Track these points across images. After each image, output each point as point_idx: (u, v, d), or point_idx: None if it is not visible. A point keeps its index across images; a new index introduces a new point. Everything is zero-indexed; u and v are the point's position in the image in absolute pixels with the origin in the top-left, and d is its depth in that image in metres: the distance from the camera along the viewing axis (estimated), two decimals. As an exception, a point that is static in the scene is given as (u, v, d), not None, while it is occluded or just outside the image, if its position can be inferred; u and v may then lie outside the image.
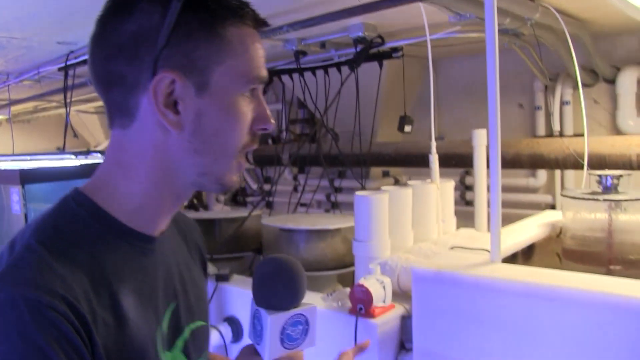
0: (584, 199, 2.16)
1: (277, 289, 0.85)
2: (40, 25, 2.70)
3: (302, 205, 4.94)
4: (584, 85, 3.72)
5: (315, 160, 4.23)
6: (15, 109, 5.80)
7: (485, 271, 1.63)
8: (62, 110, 4.99)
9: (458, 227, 2.70)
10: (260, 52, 0.87)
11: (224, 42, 0.82)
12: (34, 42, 3.03)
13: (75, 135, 3.74)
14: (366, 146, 3.89)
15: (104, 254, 0.82)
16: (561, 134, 3.79)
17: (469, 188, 4.25)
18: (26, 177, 3.24)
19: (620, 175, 2.18)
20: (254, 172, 5.60)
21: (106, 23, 0.83)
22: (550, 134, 3.79)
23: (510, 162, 3.35)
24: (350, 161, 3.76)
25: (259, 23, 0.87)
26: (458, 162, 3.47)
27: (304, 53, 3.29)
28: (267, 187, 5.47)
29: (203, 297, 1.09)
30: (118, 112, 0.85)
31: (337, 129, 4.35)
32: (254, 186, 5.53)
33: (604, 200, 2.10)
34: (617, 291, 1.40)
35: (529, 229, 2.33)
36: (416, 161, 3.71)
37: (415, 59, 3.77)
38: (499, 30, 2.82)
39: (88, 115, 6.62)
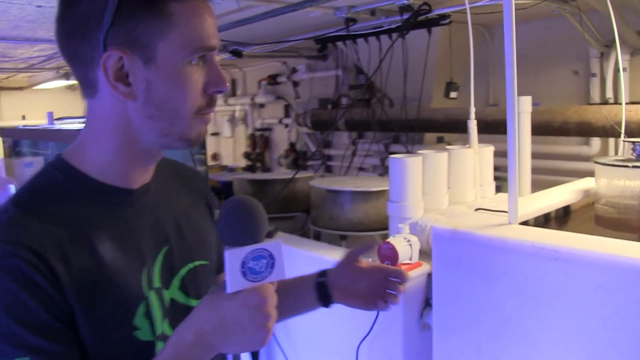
0: (614, 165, 2.19)
1: (233, 226, 0.88)
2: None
3: (361, 169, 5.09)
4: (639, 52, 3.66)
5: (369, 125, 4.33)
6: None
7: (499, 231, 1.72)
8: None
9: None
10: (207, 23, 0.93)
11: (165, 18, 0.89)
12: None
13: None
14: (425, 112, 3.96)
15: (80, 208, 0.94)
16: (616, 102, 3.75)
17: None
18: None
19: (655, 143, 2.20)
20: (314, 137, 5.75)
21: (64, 3, 0.93)
22: (605, 101, 3.74)
23: (558, 130, 3.36)
24: (400, 126, 3.85)
25: None
26: (506, 128, 3.49)
27: (354, 20, 3.37)
28: (326, 151, 5.61)
29: (206, 237, 1.17)
30: (83, 84, 0.96)
31: (393, 95, 4.42)
32: (314, 149, 5.68)
33: (634, 167, 2.13)
34: (616, 252, 1.47)
35: (560, 195, 2.37)
36: (465, 127, 3.75)
37: (473, 26, 3.78)
38: (547, -3, 2.83)
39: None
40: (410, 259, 2.04)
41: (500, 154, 3.23)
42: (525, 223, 2.14)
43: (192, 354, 0.89)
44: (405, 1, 2.96)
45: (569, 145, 4.03)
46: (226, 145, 7.43)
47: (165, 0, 0.90)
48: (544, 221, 2.42)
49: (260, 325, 0.87)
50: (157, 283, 1.02)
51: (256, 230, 0.90)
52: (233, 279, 0.87)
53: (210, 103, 0.97)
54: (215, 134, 7.50)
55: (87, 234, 0.93)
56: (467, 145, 2.63)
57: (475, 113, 2.67)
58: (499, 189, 4.41)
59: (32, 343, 0.82)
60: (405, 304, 2.02)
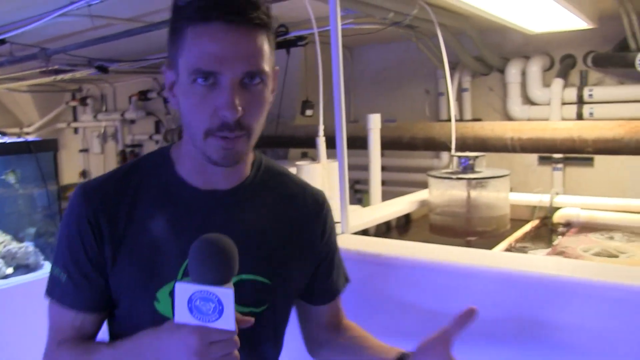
0: (442, 177, 2.43)
1: (192, 260, 0.90)
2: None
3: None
4: (480, 74, 4.03)
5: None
6: None
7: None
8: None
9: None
10: (213, 46, 0.95)
11: (182, 40, 0.97)
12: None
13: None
14: (287, 129, 4.12)
15: (156, 190, 1.09)
16: (461, 119, 4.09)
17: (386, 169, 4.51)
18: None
19: (476, 157, 2.47)
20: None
21: None
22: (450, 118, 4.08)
23: (407, 145, 3.62)
24: (263, 143, 3.97)
25: (231, 18, 0.95)
26: (362, 144, 3.72)
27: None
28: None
29: (284, 257, 1.15)
30: None
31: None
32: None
33: (458, 178, 2.38)
34: (425, 255, 1.67)
35: (398, 205, 2.59)
36: (329, 143, 3.95)
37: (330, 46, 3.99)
38: (391, 23, 3.08)
39: (21, 94, 6.65)
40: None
41: (360, 168, 3.46)
42: (365, 232, 2.33)
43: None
44: (261, 23, 3.09)
45: (423, 159, 4.34)
46: (96, 162, 7.26)
47: (183, 24, 0.97)
48: (385, 229, 2.64)
49: None
50: None
51: (212, 271, 0.90)
52: (179, 311, 0.89)
53: (222, 127, 0.97)
54: (84, 151, 7.31)
55: (149, 209, 1.07)
56: (317, 161, 2.79)
57: (330, 130, 2.85)
58: (359, 201, 4.67)
59: (69, 268, 1.07)
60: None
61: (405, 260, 1.70)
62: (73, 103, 7.12)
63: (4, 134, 3.36)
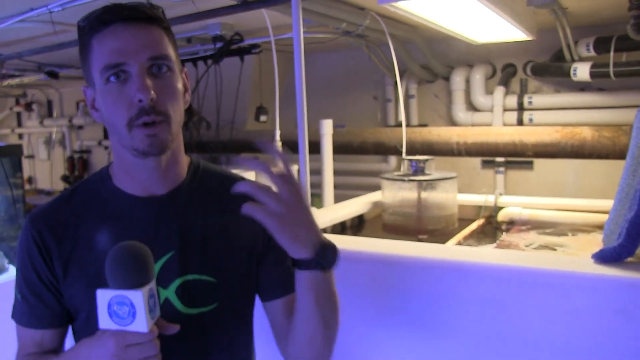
0: (394, 179, 2.57)
1: (107, 267, 0.94)
2: None
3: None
4: (425, 81, 4.21)
5: (189, 147, 4.49)
6: None
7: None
8: None
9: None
10: (116, 43, 1.03)
11: (90, 50, 1.05)
12: None
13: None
14: (240, 134, 4.20)
15: (97, 207, 1.16)
16: (408, 124, 4.26)
17: (336, 173, 4.63)
18: None
19: (426, 160, 2.61)
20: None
21: None
22: (398, 124, 4.24)
23: (358, 149, 3.76)
24: (216, 148, 4.05)
25: (127, 15, 1.05)
26: (314, 148, 3.84)
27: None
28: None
29: (229, 256, 1.18)
30: None
31: (210, 118, 4.62)
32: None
33: (409, 180, 2.52)
34: (379, 249, 1.79)
35: (353, 207, 2.71)
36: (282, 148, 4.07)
37: (284, 54, 4.10)
38: (344, 32, 3.21)
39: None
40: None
41: (311, 172, 3.57)
42: (323, 231, 2.44)
43: None
44: (217, 32, 3.18)
45: (372, 163, 4.49)
46: (42, 168, 7.14)
47: (88, 37, 1.06)
48: (340, 229, 2.75)
49: None
50: (162, 283, 1.12)
51: (123, 275, 0.94)
52: (102, 317, 0.94)
53: (140, 113, 1.03)
54: (29, 157, 7.19)
55: (93, 225, 1.13)
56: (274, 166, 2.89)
57: (286, 135, 2.95)
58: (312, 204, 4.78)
59: (23, 290, 1.15)
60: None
61: (364, 255, 1.81)
62: (18, 109, 7.00)
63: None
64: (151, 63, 1.04)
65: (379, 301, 1.79)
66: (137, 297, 0.92)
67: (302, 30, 1.97)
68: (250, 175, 2.76)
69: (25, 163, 7.15)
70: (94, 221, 1.14)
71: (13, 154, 2.98)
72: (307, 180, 2.06)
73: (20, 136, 7.27)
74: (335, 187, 4.54)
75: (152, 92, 1.02)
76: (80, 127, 6.54)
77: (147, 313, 0.93)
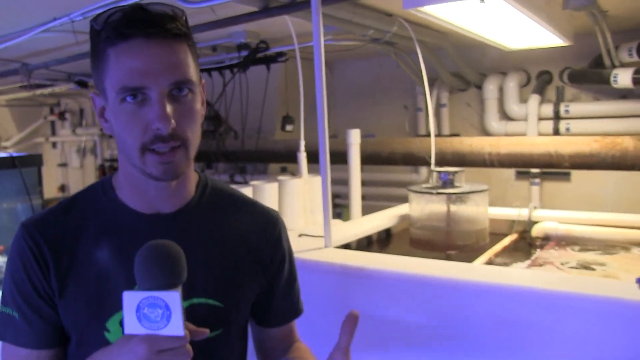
0: (422, 192, 2.46)
1: (137, 267, 0.89)
2: None
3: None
4: (457, 89, 4.09)
5: (214, 156, 4.44)
6: None
7: (313, 254, 1.90)
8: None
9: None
10: (136, 62, 0.94)
11: (105, 61, 0.97)
12: None
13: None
14: (267, 144, 4.13)
15: (98, 219, 1.08)
16: (439, 134, 4.14)
17: (366, 183, 4.53)
18: None
19: (456, 172, 2.50)
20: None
21: None
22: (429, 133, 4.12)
23: (387, 159, 3.65)
24: (243, 157, 3.99)
25: (150, 32, 0.95)
26: (342, 159, 3.74)
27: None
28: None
29: (234, 279, 1.13)
30: None
31: (238, 127, 4.57)
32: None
33: (438, 193, 2.41)
34: (405, 268, 1.69)
35: (379, 220, 2.61)
36: (308, 158, 3.98)
37: (310, 62, 4.02)
38: (371, 39, 3.11)
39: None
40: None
41: (340, 182, 3.48)
42: (347, 246, 2.34)
43: None
44: (242, 40, 3.12)
45: (402, 174, 4.37)
46: (75, 176, 7.19)
47: (104, 46, 0.97)
48: (366, 244, 2.65)
49: None
50: None
51: (157, 275, 0.88)
52: (129, 321, 0.87)
53: (156, 140, 0.97)
54: (63, 165, 7.25)
55: (92, 240, 1.06)
56: (298, 176, 2.81)
57: (312, 144, 2.87)
58: (339, 216, 4.68)
59: (20, 305, 1.05)
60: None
61: (388, 273, 1.71)
62: (52, 117, 7.07)
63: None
64: (172, 87, 0.97)
65: (400, 321, 1.69)
66: (173, 298, 0.87)
67: (322, 36, 1.88)
68: (273, 186, 2.68)
69: (59, 171, 7.23)
70: (94, 236, 1.07)
71: (33, 164, 2.97)
72: (328, 191, 1.97)
73: (54, 145, 7.33)
74: (365, 198, 4.45)
75: (173, 121, 0.95)
76: (110, 136, 6.53)
77: (183, 315, 0.88)
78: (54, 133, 7.25)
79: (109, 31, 0.96)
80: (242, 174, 4.75)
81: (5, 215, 3.03)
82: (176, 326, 0.87)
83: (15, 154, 3.03)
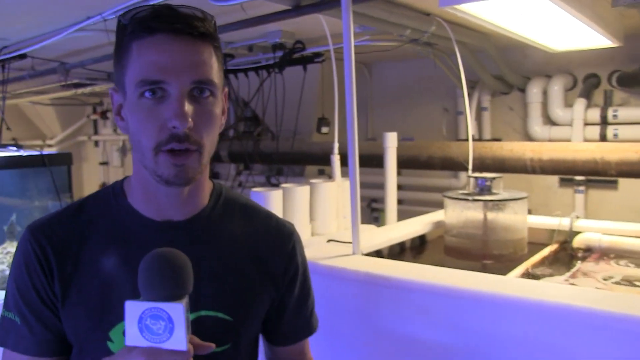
0: (458, 198, 2.36)
1: (140, 276, 0.85)
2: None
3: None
4: (500, 93, 3.96)
5: (250, 157, 4.41)
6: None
7: (338, 262, 1.83)
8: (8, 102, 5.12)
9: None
10: (158, 57, 0.91)
11: (127, 55, 0.94)
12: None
13: (9, 128, 3.88)
14: (303, 145, 4.09)
15: (108, 224, 1.04)
16: (480, 139, 4.02)
17: (404, 187, 4.43)
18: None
19: (493, 178, 2.39)
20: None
21: None
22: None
23: (425, 164, 3.55)
24: (279, 159, 3.95)
25: (176, 27, 0.92)
26: (379, 162, 3.67)
27: (232, 56, 3.46)
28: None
29: (244, 293, 1.09)
30: None
31: (275, 128, 4.54)
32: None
33: (474, 200, 2.31)
34: (435, 279, 1.60)
35: (412, 226, 2.52)
36: (344, 161, 3.91)
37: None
38: (409, 40, 3.03)
39: (44, 107, 6.71)
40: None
41: (377, 186, 3.40)
42: (379, 252, 2.26)
43: None
44: (277, 39, 3.07)
45: (441, 178, 4.27)
46: (116, 175, 7.28)
47: (128, 40, 0.94)
48: (399, 250, 2.56)
49: None
50: None
51: (161, 285, 0.84)
52: (130, 332, 0.83)
53: (171, 139, 0.93)
54: (104, 164, 7.35)
55: (99, 245, 1.02)
56: (332, 179, 2.74)
57: (346, 147, 2.80)
58: (376, 220, 4.60)
59: (23, 310, 1.01)
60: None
61: (416, 284, 1.63)
62: (94, 116, 7.17)
63: (20, 147, 3.38)
64: (193, 86, 0.92)
65: (431, 335, 1.61)
66: (177, 311, 0.82)
67: (352, 35, 1.81)
68: (304, 189, 2.61)
69: (100, 169, 7.35)
70: (101, 243, 1.02)
71: (62, 163, 2.98)
72: (357, 195, 1.90)
73: (96, 143, 7.45)
74: (403, 202, 4.36)
75: (190, 120, 0.91)
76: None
77: (187, 329, 0.83)
78: (96, 132, 7.36)
79: (135, 25, 0.93)
80: (277, 175, 4.72)
81: (37, 213, 3.05)
82: (179, 340, 0.82)
83: (45, 153, 3.04)
